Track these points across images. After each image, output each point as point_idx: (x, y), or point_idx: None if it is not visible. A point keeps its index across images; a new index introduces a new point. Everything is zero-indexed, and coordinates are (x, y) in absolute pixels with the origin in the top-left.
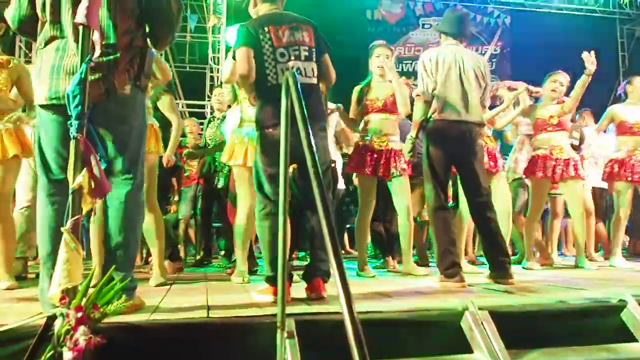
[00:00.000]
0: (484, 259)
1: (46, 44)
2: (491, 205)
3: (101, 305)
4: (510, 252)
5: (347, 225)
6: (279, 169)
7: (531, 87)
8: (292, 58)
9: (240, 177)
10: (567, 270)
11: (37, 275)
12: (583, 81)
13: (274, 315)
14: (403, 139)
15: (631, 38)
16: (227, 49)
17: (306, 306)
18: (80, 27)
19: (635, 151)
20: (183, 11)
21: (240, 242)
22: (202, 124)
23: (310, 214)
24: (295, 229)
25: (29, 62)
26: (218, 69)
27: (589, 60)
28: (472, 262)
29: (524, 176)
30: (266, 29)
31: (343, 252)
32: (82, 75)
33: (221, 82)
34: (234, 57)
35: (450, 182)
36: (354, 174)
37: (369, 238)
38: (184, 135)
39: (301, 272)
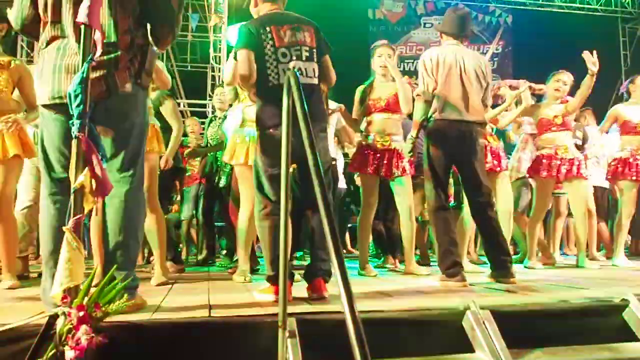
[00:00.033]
0: (485, 259)
1: (47, 44)
2: (492, 205)
3: (103, 304)
4: (511, 252)
5: (349, 225)
6: (279, 169)
7: (533, 85)
8: (294, 58)
9: (242, 176)
10: (568, 270)
11: (40, 275)
12: (588, 82)
13: (276, 314)
14: (406, 139)
15: (633, 37)
16: (229, 49)
17: (308, 305)
18: (82, 27)
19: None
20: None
21: (243, 241)
22: (203, 123)
23: (311, 214)
24: (295, 229)
25: (30, 61)
26: (219, 69)
27: (590, 60)
28: (474, 262)
29: (527, 175)
30: (268, 28)
31: (344, 251)
32: (84, 75)
33: (222, 82)
34: (235, 58)
35: (452, 182)
36: (356, 174)
37: (371, 237)
38: (185, 135)
39: (301, 272)
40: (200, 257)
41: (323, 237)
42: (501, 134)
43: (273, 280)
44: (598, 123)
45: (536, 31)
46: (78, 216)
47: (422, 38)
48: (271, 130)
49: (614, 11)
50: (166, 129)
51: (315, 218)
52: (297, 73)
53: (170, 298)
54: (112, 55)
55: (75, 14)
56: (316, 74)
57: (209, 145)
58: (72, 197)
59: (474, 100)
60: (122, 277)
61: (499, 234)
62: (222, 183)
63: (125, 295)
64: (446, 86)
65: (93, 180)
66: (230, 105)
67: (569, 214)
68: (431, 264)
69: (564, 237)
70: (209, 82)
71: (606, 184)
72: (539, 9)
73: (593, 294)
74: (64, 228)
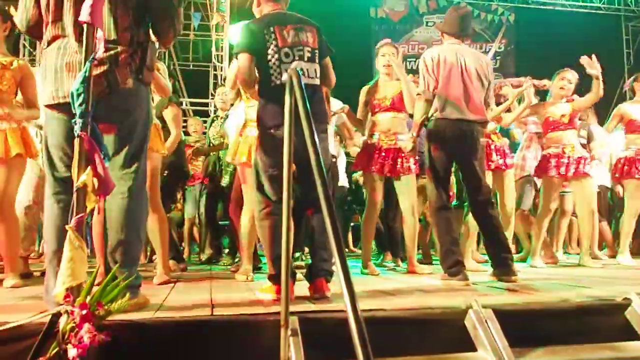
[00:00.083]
0: (486, 257)
1: (49, 43)
2: (492, 203)
3: (105, 302)
4: (513, 250)
5: (351, 224)
6: (279, 169)
7: (535, 82)
8: (296, 58)
9: (245, 175)
10: (571, 268)
11: (42, 273)
12: (596, 86)
13: (278, 313)
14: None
15: (636, 35)
16: (231, 47)
17: (310, 304)
18: (85, 25)
19: None
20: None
21: (246, 240)
22: (205, 122)
23: (312, 214)
24: (295, 229)
25: (33, 61)
26: (222, 68)
27: (590, 64)
28: (477, 261)
29: (532, 174)
30: (271, 28)
31: (347, 250)
32: (86, 74)
33: (224, 81)
34: (236, 56)
35: (454, 181)
36: (358, 173)
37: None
38: (187, 134)
39: (303, 271)
40: (204, 256)
41: (325, 237)
42: (505, 132)
43: (274, 279)
44: (599, 121)
45: (539, 29)
46: (80, 215)
47: (425, 37)
48: (272, 130)
49: (617, 9)
50: (168, 129)
51: (317, 217)
52: (300, 72)
53: (173, 297)
54: (112, 52)
55: (75, 12)
56: (318, 75)
57: (211, 144)
58: (74, 196)
59: (475, 99)
60: (125, 276)
61: (500, 232)
62: (225, 182)
63: (128, 294)
64: (447, 85)
65: (95, 179)
66: (232, 105)
67: (572, 213)
68: (433, 263)
69: (566, 236)
70: (211, 81)
71: (608, 183)
72: (542, 7)
73: (595, 292)
74: (66, 227)
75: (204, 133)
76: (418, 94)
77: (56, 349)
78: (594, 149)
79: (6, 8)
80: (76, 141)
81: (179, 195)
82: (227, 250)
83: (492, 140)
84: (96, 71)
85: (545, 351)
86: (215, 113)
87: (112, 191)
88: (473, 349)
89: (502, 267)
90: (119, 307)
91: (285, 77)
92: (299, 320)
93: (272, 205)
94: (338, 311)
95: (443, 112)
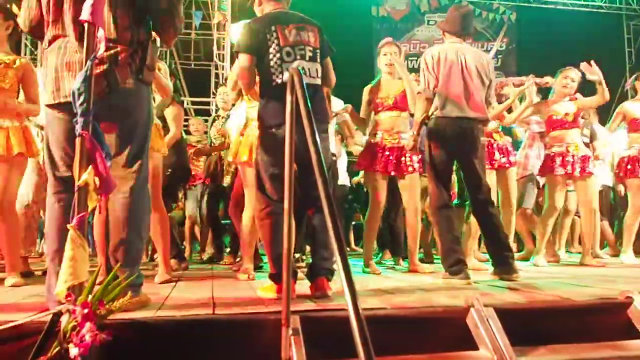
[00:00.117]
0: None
1: (49, 43)
2: (492, 202)
3: (107, 301)
4: (514, 249)
5: (352, 223)
6: (280, 168)
7: (538, 80)
8: (298, 57)
9: (246, 175)
10: (573, 267)
11: (44, 272)
12: (601, 91)
13: (279, 312)
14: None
15: (638, 34)
16: (233, 47)
17: (311, 303)
18: (86, 24)
19: None
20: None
21: (247, 240)
22: (206, 121)
23: (312, 213)
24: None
25: (34, 60)
26: (223, 66)
27: (590, 70)
28: (479, 260)
29: (534, 173)
30: (273, 28)
31: (348, 249)
32: (87, 73)
33: (226, 81)
34: (236, 55)
35: (455, 180)
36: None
37: None
38: (188, 133)
39: (304, 270)
40: (206, 255)
41: (326, 236)
42: (508, 131)
43: (275, 278)
44: (600, 120)
45: (540, 28)
46: (82, 214)
47: (426, 36)
48: (273, 129)
49: (618, 8)
50: (168, 129)
51: (318, 217)
52: (301, 71)
53: (174, 295)
54: (112, 52)
55: (74, 12)
56: (319, 75)
57: (212, 144)
58: (75, 194)
59: (476, 97)
60: (126, 275)
61: (501, 231)
62: (227, 183)
63: (129, 293)
64: (447, 83)
65: (97, 178)
66: (234, 105)
67: (576, 212)
68: (434, 262)
69: (568, 235)
70: (213, 80)
71: (609, 182)
72: (543, 6)
73: (597, 291)
74: (68, 226)
75: (206, 133)
76: (418, 92)
77: (58, 348)
78: (597, 148)
79: (8, 6)
80: (77, 140)
81: (180, 195)
82: (228, 250)
83: (494, 140)
84: (96, 70)
85: (547, 350)
86: (216, 112)
87: (114, 190)
88: (475, 347)
89: (503, 266)
90: (120, 306)
91: (286, 76)
92: (300, 319)
93: (273, 204)
94: (339, 310)
95: (443, 110)
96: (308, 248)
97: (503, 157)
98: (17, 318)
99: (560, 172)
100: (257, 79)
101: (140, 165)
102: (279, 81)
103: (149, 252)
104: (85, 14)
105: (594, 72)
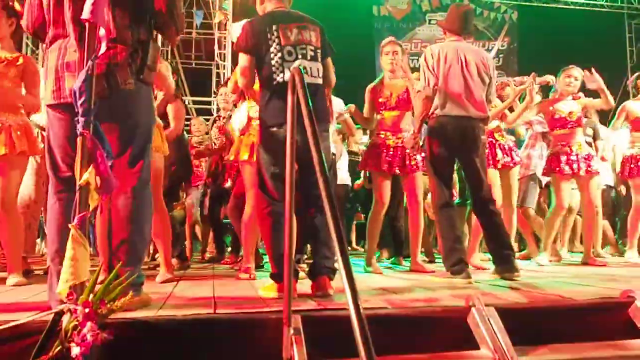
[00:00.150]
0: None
1: (50, 43)
2: (493, 200)
3: (108, 301)
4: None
5: (354, 222)
6: (282, 168)
7: (539, 78)
8: (299, 57)
9: (248, 174)
10: (574, 266)
11: (45, 272)
12: (605, 98)
13: (281, 311)
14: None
15: (639, 33)
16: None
17: (312, 302)
18: (87, 24)
19: None
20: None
21: (248, 239)
22: (207, 120)
23: (313, 213)
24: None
25: (35, 59)
26: (224, 66)
27: (590, 79)
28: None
29: (536, 173)
30: (274, 27)
31: (350, 248)
32: (89, 72)
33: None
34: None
35: (456, 179)
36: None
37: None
38: (189, 132)
39: (306, 269)
40: (207, 256)
41: (327, 235)
42: (510, 130)
43: (277, 277)
44: (601, 119)
45: (542, 27)
46: (83, 213)
47: (427, 35)
48: (274, 128)
49: (620, 7)
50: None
51: (318, 216)
52: (302, 70)
53: (176, 295)
54: (112, 52)
55: (74, 11)
56: (320, 74)
57: (213, 144)
58: (77, 194)
59: (476, 95)
60: (128, 274)
61: (502, 229)
62: (228, 183)
63: (131, 292)
64: (447, 82)
65: (98, 178)
66: (235, 106)
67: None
68: (436, 261)
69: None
70: (214, 79)
71: (611, 182)
72: (545, 5)
73: (599, 290)
74: (69, 225)
75: (207, 133)
76: (418, 91)
77: (59, 347)
78: (600, 147)
79: (10, 4)
80: (79, 139)
81: (182, 195)
82: (229, 249)
83: (496, 139)
84: (96, 71)
85: (548, 349)
86: (217, 112)
87: (116, 191)
88: (476, 347)
89: (504, 264)
90: (121, 306)
91: (287, 75)
92: (301, 318)
93: (274, 204)
94: (340, 309)
95: (444, 108)
96: (308, 248)
97: (506, 156)
98: (19, 317)
99: (567, 171)
100: (257, 79)
101: (142, 165)
102: (280, 80)
103: (151, 252)
104: (86, 13)
105: (595, 80)
